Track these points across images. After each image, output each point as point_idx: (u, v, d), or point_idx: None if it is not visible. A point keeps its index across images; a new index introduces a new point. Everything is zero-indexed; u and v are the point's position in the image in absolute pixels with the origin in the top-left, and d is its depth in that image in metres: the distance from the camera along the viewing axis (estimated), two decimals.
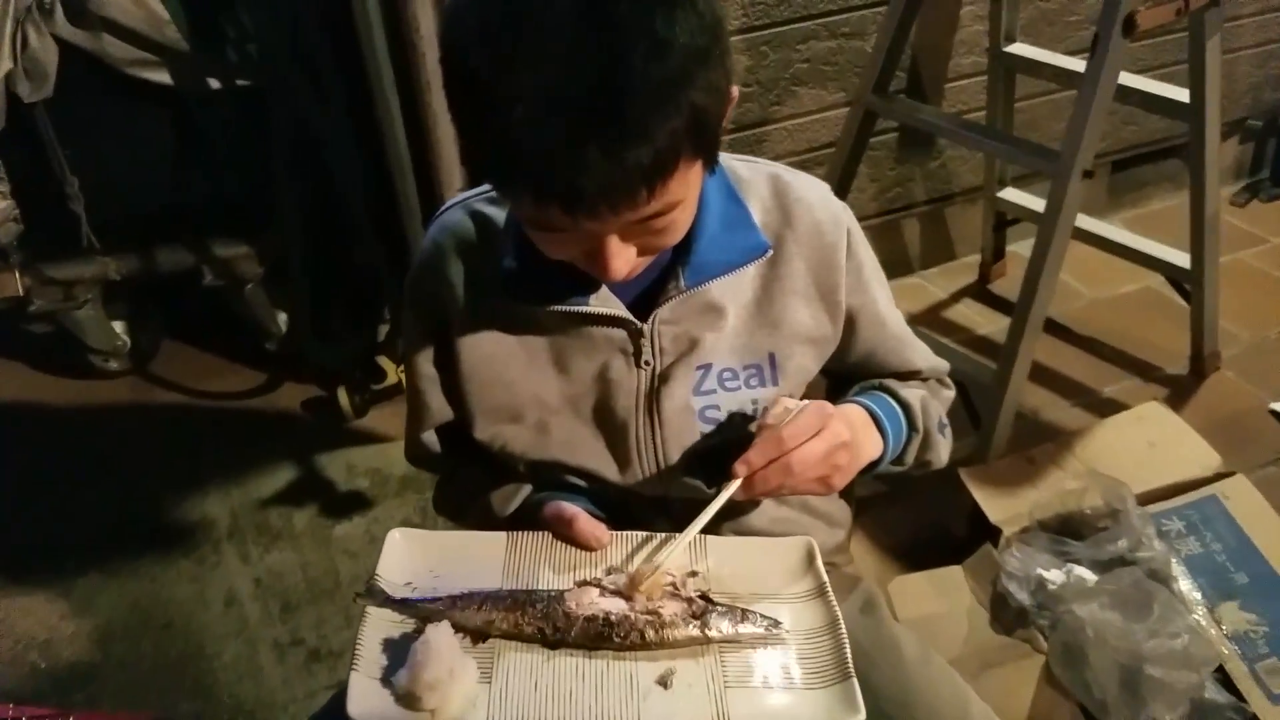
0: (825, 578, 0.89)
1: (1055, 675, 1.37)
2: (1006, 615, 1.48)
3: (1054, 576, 1.44)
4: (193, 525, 1.99)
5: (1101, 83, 1.55)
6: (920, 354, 1.05)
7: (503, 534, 0.92)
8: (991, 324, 2.48)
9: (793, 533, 1.00)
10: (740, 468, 0.85)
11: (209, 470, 2.11)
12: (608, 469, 0.97)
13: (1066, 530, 1.54)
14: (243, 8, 1.99)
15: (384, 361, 2.26)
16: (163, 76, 2.00)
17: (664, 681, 0.79)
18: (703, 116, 0.73)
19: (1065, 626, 1.38)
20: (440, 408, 1.00)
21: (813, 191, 0.96)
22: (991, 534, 1.62)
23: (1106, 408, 2.12)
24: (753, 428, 0.90)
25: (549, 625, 0.81)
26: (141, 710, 1.56)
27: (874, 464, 0.96)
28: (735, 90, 0.79)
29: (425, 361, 0.98)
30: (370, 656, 0.79)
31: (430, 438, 1.03)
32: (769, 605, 0.86)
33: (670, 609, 0.83)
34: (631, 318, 0.91)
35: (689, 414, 0.95)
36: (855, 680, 0.79)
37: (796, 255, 0.94)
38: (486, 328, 0.94)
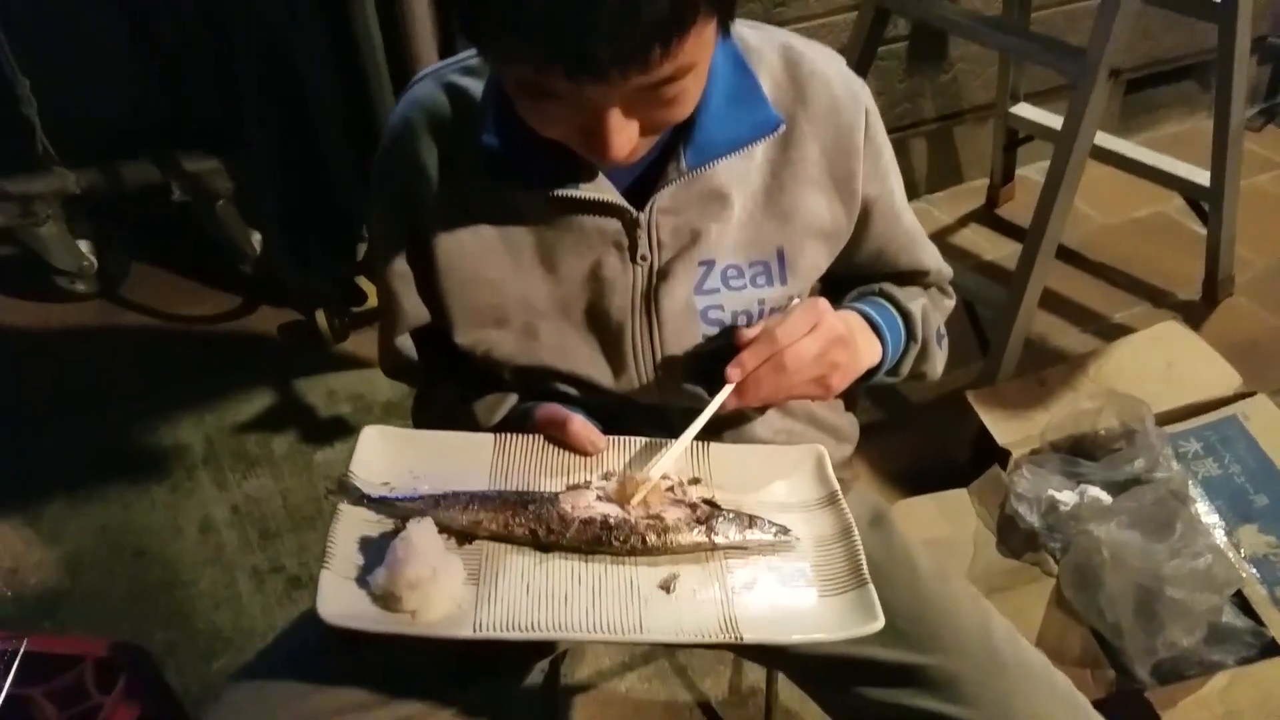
0: (836, 485, 0.85)
1: (1066, 599, 1.32)
2: (1015, 538, 1.42)
3: (1066, 498, 1.38)
4: (165, 451, 1.91)
5: None
6: (930, 253, 0.99)
7: (489, 435, 0.86)
8: (999, 250, 2.40)
9: (795, 444, 0.95)
10: (733, 371, 0.80)
11: (182, 396, 2.02)
12: (601, 375, 0.90)
13: (1079, 452, 1.48)
14: None
15: (364, 283, 2.18)
16: None
17: (667, 586, 0.75)
18: None
19: (1078, 548, 1.32)
20: (415, 309, 0.91)
21: (829, 65, 0.87)
22: (999, 458, 1.55)
23: (1117, 334, 2.05)
24: (747, 332, 0.83)
25: (542, 527, 0.76)
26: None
27: (871, 372, 0.91)
28: None
29: (396, 256, 0.89)
30: (344, 555, 0.73)
31: (405, 343, 0.95)
32: (777, 515, 0.81)
33: (673, 514, 0.79)
34: (626, 205, 0.82)
35: (690, 315, 0.87)
36: (872, 587, 0.74)
37: (810, 137, 0.86)
38: (464, 217, 0.85)
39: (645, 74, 0.65)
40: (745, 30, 0.87)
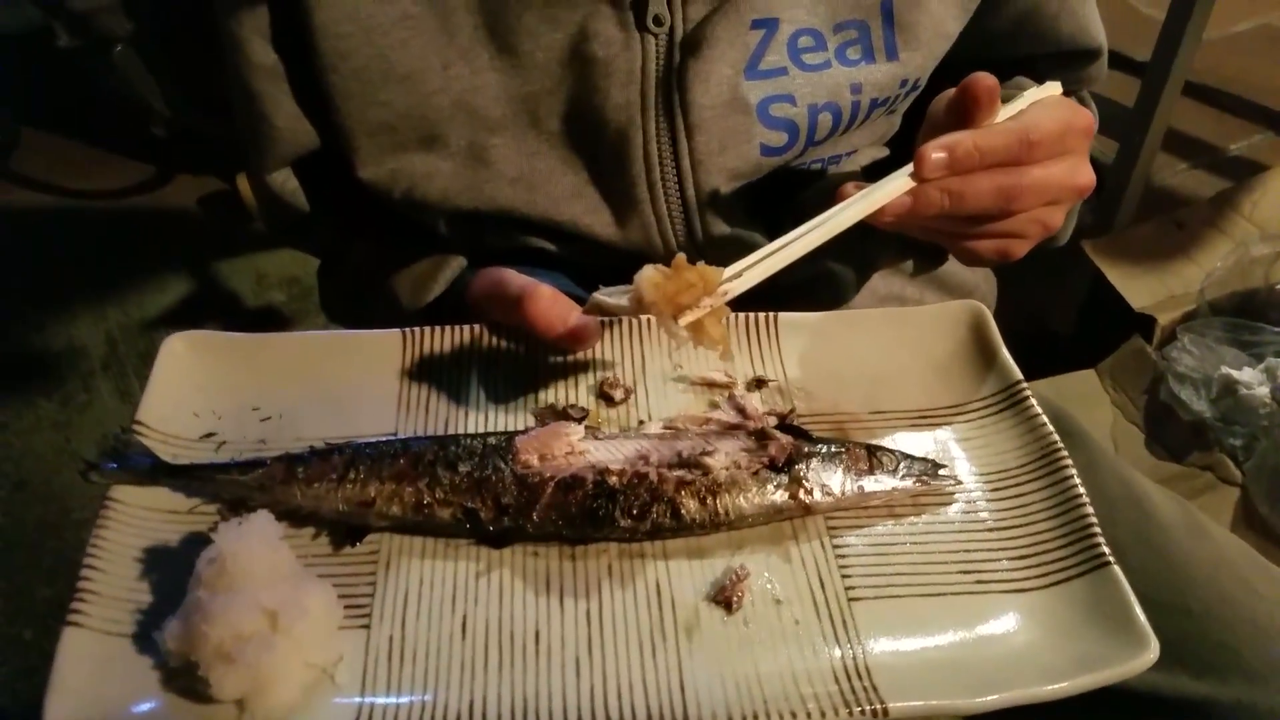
0: (1017, 373, 0.56)
1: (1259, 514, 1.02)
2: (1174, 433, 1.12)
3: (1247, 376, 1.09)
4: (55, 357, 1.67)
5: None
6: (1098, 22, 0.71)
7: (395, 333, 0.58)
8: None
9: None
10: (936, 153, 0.51)
11: (80, 288, 1.77)
12: (595, 218, 0.64)
13: (1251, 314, 1.17)
14: None
15: None
16: None
17: (726, 602, 0.46)
18: None
19: (1273, 445, 1.02)
20: (292, 126, 0.63)
21: None
22: (1137, 326, 1.23)
23: (1234, 168, 1.74)
24: (938, 105, 0.56)
25: (485, 501, 0.48)
26: None
27: None
28: None
29: (256, 37, 0.60)
30: (108, 592, 0.44)
31: (286, 182, 0.67)
32: (914, 434, 0.55)
33: (725, 453, 0.50)
34: None
35: (740, 110, 0.61)
36: (1116, 568, 0.46)
37: None
38: None
39: None
40: None
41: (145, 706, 0.41)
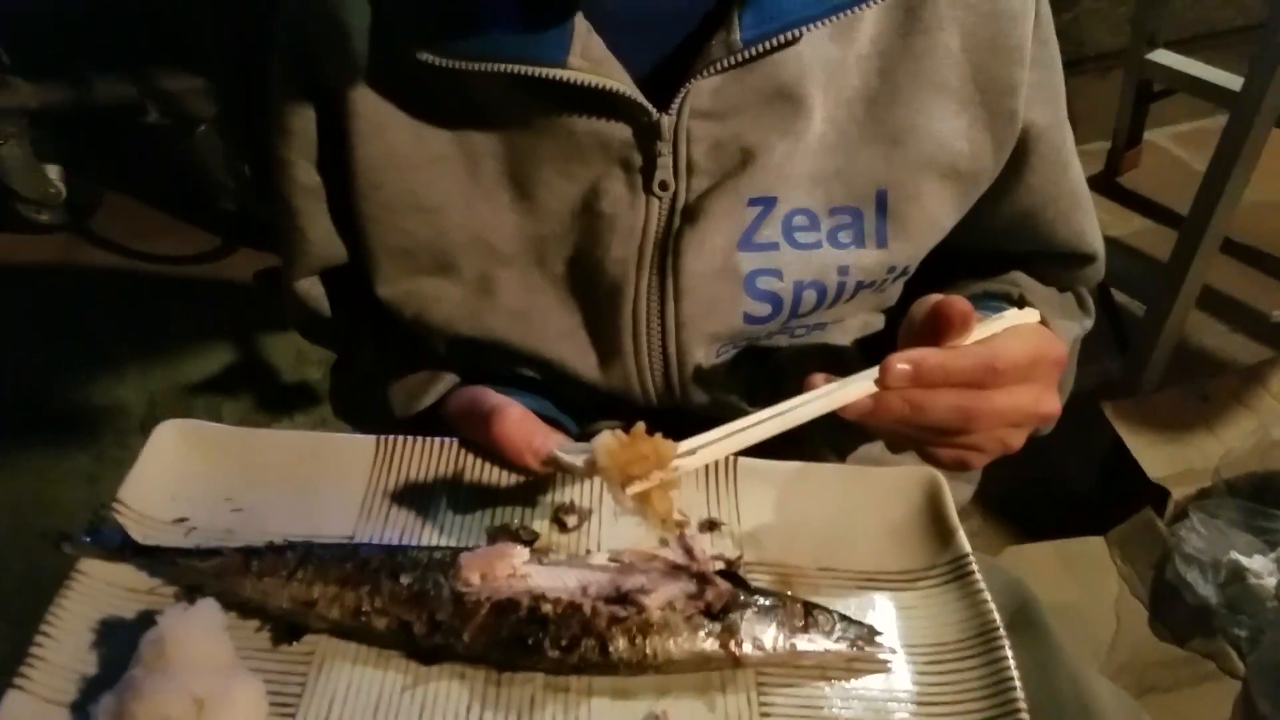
0: (965, 546, 0.55)
1: (1258, 710, 0.98)
2: (1178, 615, 1.09)
3: (1257, 565, 1.06)
4: (100, 410, 1.70)
5: None
6: (1097, 231, 0.72)
7: (370, 440, 0.59)
8: (1122, 225, 2.07)
9: None
10: (900, 366, 0.52)
11: (134, 345, 1.82)
12: (582, 360, 0.66)
13: (1268, 499, 1.12)
14: None
15: None
16: None
17: None
18: None
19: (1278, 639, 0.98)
20: (325, 241, 0.67)
21: None
22: (1141, 494, 1.21)
23: (1275, 336, 1.72)
24: (917, 313, 0.56)
25: (420, 615, 0.49)
26: None
27: None
28: None
29: (302, 160, 0.64)
30: (61, 658, 0.47)
31: (312, 289, 0.70)
32: (857, 596, 0.54)
33: (664, 593, 0.50)
34: (642, 100, 0.57)
35: (729, 279, 0.63)
36: None
37: (949, 21, 0.60)
38: (398, 106, 0.60)
39: None
40: None
41: None
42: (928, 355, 0.52)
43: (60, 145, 2.10)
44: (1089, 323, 0.76)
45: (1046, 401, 0.56)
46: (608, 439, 0.49)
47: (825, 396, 0.52)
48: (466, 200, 0.62)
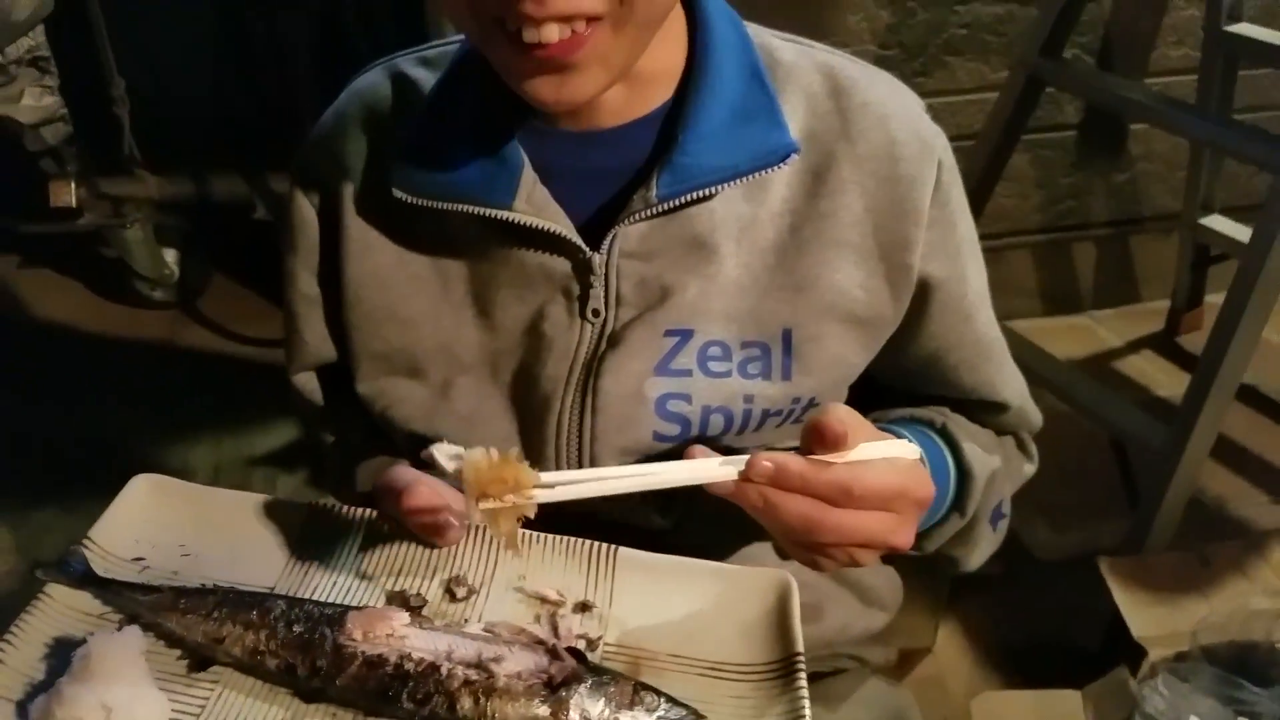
0: (799, 646, 0.59)
1: None
2: None
3: None
4: (168, 473, 1.77)
5: None
6: (1012, 385, 0.76)
7: (303, 505, 0.67)
8: (1176, 385, 1.99)
9: (805, 603, 0.67)
10: (763, 463, 0.56)
11: (211, 416, 1.94)
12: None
13: (1244, 669, 1.09)
14: None
15: None
16: None
17: None
18: None
19: None
20: (319, 342, 0.76)
21: (892, 97, 0.69)
22: (1132, 653, 1.18)
23: None
24: (808, 420, 0.60)
25: (304, 660, 0.56)
26: None
27: None
28: None
29: (304, 272, 0.74)
30: (14, 661, 0.55)
31: (308, 382, 0.79)
32: (698, 683, 0.57)
33: (514, 664, 0.56)
34: (577, 240, 0.66)
35: (640, 402, 0.68)
36: None
37: (853, 184, 0.67)
38: (384, 234, 0.70)
39: None
40: (777, 42, 0.71)
41: None
42: (791, 461, 0.55)
43: (178, 232, 2.29)
44: (1030, 467, 0.80)
45: (900, 535, 0.59)
46: (479, 455, 0.54)
47: (694, 469, 0.57)
48: (437, 315, 0.70)
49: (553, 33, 0.55)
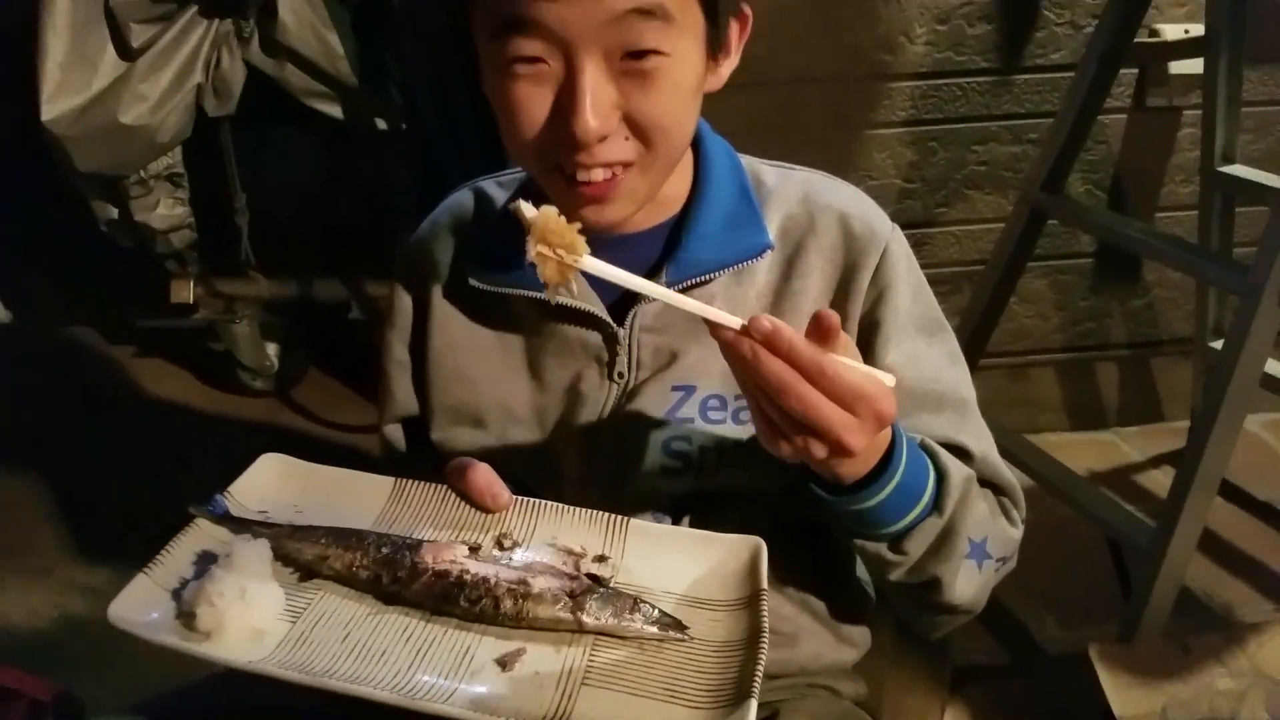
0: (764, 585, 0.71)
1: None
2: None
3: None
4: None
5: None
6: (971, 433, 0.83)
7: (389, 479, 0.81)
8: None
9: (781, 631, 0.85)
10: (764, 322, 0.62)
11: None
12: (550, 487, 0.85)
13: None
14: (397, 52, 2.09)
15: None
16: (333, 109, 2.12)
17: (504, 662, 0.66)
18: None
19: None
20: (406, 399, 0.93)
21: (851, 202, 0.86)
22: None
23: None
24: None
25: (388, 572, 0.70)
26: None
27: (852, 495, 0.72)
28: (748, 16, 0.81)
29: (398, 343, 0.92)
30: (173, 565, 0.69)
31: (395, 433, 0.95)
32: (684, 609, 0.71)
33: (543, 581, 0.70)
34: (606, 317, 0.83)
35: (651, 443, 0.83)
36: (755, 702, 0.61)
37: (816, 269, 0.84)
38: (461, 313, 0.89)
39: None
40: (764, 167, 0.89)
41: (157, 617, 0.64)
42: (785, 330, 0.62)
43: (280, 328, 2.46)
44: (1015, 532, 0.85)
45: (852, 435, 0.64)
46: (551, 212, 0.65)
47: (708, 308, 0.65)
48: (497, 377, 0.87)
49: (597, 175, 0.74)
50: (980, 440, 0.84)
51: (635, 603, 0.69)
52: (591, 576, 0.72)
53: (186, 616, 0.64)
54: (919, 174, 2.02)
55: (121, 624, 0.62)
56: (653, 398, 0.83)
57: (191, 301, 2.35)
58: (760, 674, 0.63)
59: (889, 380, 0.66)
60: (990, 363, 2.11)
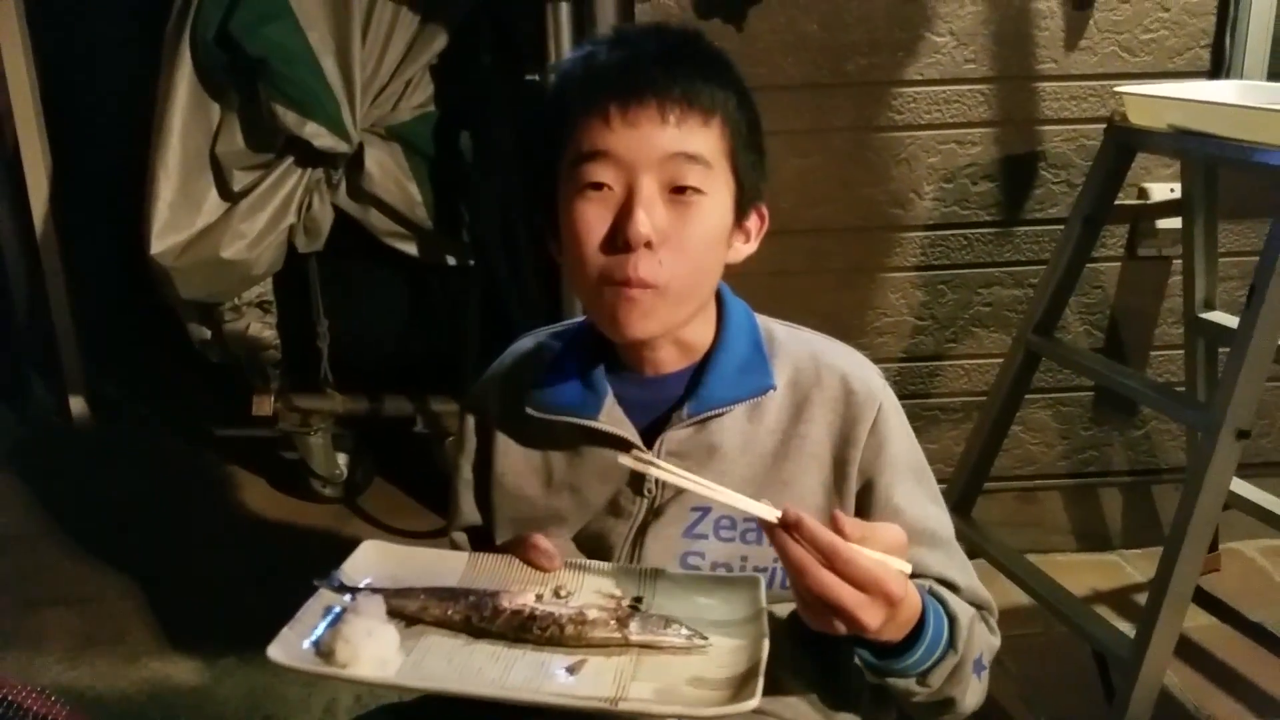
0: (764, 605, 0.87)
1: None
2: None
3: None
4: None
5: (1256, 334, 1.45)
6: (957, 566, 0.96)
7: (466, 553, 0.98)
8: (1190, 620, 2.10)
9: (783, 717, 0.97)
10: (795, 513, 0.76)
11: None
12: None
13: None
14: (469, 201, 2.35)
15: None
16: (409, 248, 2.37)
17: (573, 669, 0.82)
18: (741, 118, 0.92)
19: None
20: (470, 511, 1.07)
21: (851, 365, 0.99)
22: None
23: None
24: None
25: (475, 614, 0.87)
26: None
27: (890, 657, 0.84)
28: (765, 217, 0.98)
29: (466, 464, 1.07)
30: (308, 620, 0.86)
31: (460, 538, 1.09)
32: (704, 626, 0.87)
33: (595, 612, 0.87)
34: (639, 442, 0.95)
35: (670, 555, 0.95)
36: (760, 683, 0.76)
37: (820, 417, 0.96)
38: (518, 441, 1.02)
39: (665, 124, 0.87)
40: (776, 325, 1.03)
41: (305, 654, 0.80)
42: (809, 519, 0.75)
43: (350, 440, 2.60)
44: (995, 640, 0.96)
45: (867, 614, 0.75)
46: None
47: (751, 503, 0.80)
48: (547, 494, 0.99)
49: (635, 293, 0.88)
50: (964, 572, 0.96)
51: (667, 622, 0.85)
52: (632, 607, 0.89)
53: (326, 655, 0.81)
54: (930, 313, 2.18)
55: (280, 660, 0.81)
56: (674, 516, 0.95)
57: (271, 414, 2.54)
58: (763, 666, 0.78)
59: (904, 567, 0.77)
60: (1001, 486, 2.26)
